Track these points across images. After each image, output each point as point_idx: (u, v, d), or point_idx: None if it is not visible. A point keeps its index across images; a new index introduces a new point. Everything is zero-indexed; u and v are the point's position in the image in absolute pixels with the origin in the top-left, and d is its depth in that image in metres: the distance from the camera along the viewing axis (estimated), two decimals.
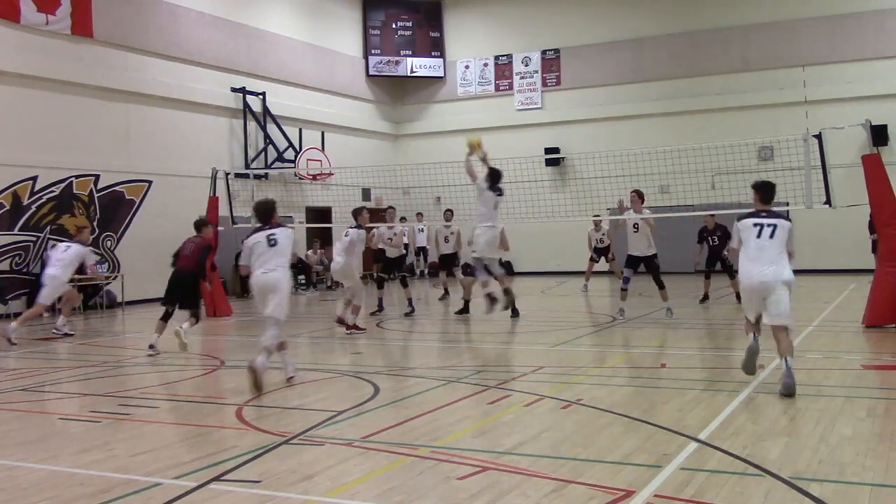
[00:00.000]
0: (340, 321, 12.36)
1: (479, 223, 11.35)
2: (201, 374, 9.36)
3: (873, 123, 12.13)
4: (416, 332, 12.87)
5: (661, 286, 13.05)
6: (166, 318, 11.04)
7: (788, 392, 7.05)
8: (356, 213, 12.74)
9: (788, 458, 5.11)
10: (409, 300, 15.02)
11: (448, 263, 17.40)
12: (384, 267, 15.99)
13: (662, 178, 19.74)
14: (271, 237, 8.46)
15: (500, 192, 11.46)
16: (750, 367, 7.64)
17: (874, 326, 10.93)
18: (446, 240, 17.36)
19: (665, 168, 18.24)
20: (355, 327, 12.26)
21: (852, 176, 14.24)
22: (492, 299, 10.93)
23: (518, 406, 6.88)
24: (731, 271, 15.52)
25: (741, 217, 7.76)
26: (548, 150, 24.32)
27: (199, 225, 11.74)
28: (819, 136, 12.17)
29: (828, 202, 12.09)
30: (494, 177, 11.41)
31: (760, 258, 7.36)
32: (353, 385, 8.19)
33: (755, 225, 7.52)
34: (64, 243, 13.55)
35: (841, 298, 15.28)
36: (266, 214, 8.67)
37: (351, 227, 12.56)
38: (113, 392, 8.26)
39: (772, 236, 7.42)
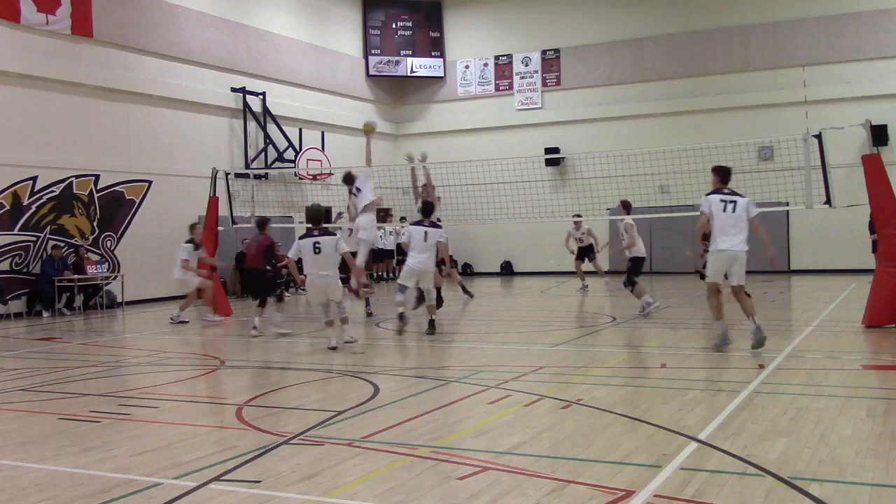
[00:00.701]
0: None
1: (410, 256, 11.65)
2: (201, 374, 9.36)
3: (873, 123, 12.14)
4: (415, 332, 12.86)
5: (631, 283, 13.59)
6: (263, 304, 12.52)
7: (760, 344, 9.06)
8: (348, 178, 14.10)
9: (788, 458, 5.12)
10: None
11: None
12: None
13: (662, 178, 19.76)
14: (317, 245, 10.21)
15: (432, 225, 11.66)
16: (723, 344, 9.41)
17: (874, 326, 10.93)
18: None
19: (665, 168, 18.25)
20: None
21: (852, 176, 14.24)
22: (402, 318, 11.62)
23: (518, 406, 6.88)
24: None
25: (708, 193, 9.50)
26: (548, 150, 24.33)
27: (262, 224, 12.95)
28: (819, 136, 12.17)
29: (828, 202, 12.09)
30: (425, 211, 11.93)
31: (728, 231, 9.17)
32: (353, 385, 8.19)
33: (721, 201, 9.30)
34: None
35: (841, 298, 15.29)
36: (313, 220, 10.53)
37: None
38: (113, 392, 8.26)
39: (734, 211, 9.23)
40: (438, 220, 12.92)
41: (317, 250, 10.18)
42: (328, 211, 22.80)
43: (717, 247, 9.26)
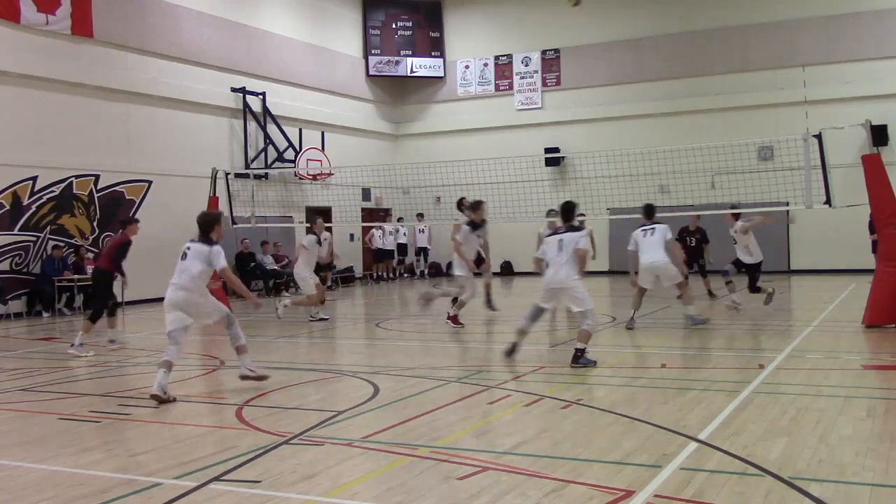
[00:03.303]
0: (454, 320, 12.69)
1: (546, 272, 9.41)
2: (201, 374, 9.36)
3: (873, 123, 12.14)
4: (416, 332, 12.87)
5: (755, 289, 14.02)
6: (94, 318, 11.20)
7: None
8: (468, 204, 13.14)
9: (788, 458, 5.12)
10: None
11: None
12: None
13: (662, 178, 19.76)
14: (186, 250, 7.98)
15: (570, 229, 9.32)
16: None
17: (874, 326, 10.93)
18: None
19: (665, 168, 18.25)
20: (454, 319, 12.64)
21: (852, 176, 14.24)
22: (514, 349, 9.31)
23: (518, 406, 6.88)
24: (703, 270, 15.81)
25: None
26: (548, 150, 24.32)
27: (126, 222, 12.00)
28: (819, 136, 12.17)
29: (828, 202, 12.09)
30: (565, 213, 9.55)
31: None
32: (353, 385, 8.19)
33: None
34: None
35: (841, 298, 15.28)
36: (201, 227, 8.07)
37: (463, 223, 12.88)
38: (113, 392, 8.26)
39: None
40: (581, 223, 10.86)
41: (183, 256, 7.94)
42: (328, 210, 22.85)
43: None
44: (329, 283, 22.56)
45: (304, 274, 13.80)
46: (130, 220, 12.24)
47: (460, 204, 14.18)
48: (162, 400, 7.33)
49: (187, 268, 7.85)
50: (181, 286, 7.82)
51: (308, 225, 14.94)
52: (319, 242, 13.91)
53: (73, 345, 10.85)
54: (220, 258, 7.85)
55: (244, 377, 8.02)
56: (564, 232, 9.18)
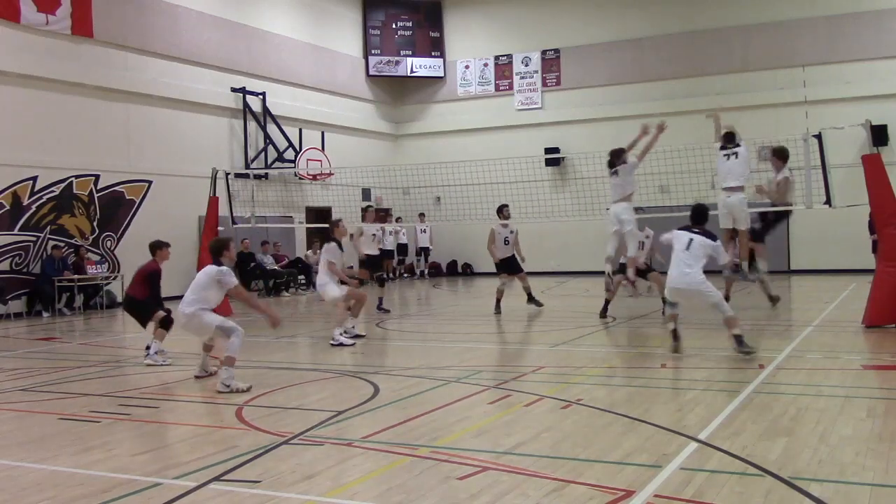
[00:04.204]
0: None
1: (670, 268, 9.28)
2: (201, 373, 9.34)
3: (873, 123, 12.13)
4: (416, 332, 12.86)
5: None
6: (166, 325, 10.17)
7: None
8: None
9: (788, 458, 5.12)
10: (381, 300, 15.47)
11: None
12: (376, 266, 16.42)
13: (662, 178, 19.73)
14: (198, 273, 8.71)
15: (703, 233, 9.16)
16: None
17: (874, 326, 10.92)
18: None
19: (665, 168, 18.22)
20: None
21: (852, 176, 14.22)
22: (674, 335, 9.32)
23: (518, 406, 6.88)
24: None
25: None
26: (548, 150, 24.32)
27: (153, 247, 10.43)
28: (819, 136, 12.17)
29: (828, 202, 12.08)
30: (696, 216, 9.33)
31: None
32: (353, 385, 8.19)
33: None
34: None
35: (841, 298, 15.28)
36: (211, 251, 8.76)
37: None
38: (113, 392, 8.26)
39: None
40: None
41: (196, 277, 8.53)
42: (328, 210, 22.84)
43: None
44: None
45: (324, 279, 11.47)
46: (160, 244, 10.37)
47: (500, 211, 14.73)
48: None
49: (191, 288, 8.45)
50: (182, 306, 8.40)
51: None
52: (341, 248, 11.86)
53: (147, 353, 9.92)
54: (231, 276, 8.38)
55: (219, 391, 7.83)
56: (696, 233, 9.03)
